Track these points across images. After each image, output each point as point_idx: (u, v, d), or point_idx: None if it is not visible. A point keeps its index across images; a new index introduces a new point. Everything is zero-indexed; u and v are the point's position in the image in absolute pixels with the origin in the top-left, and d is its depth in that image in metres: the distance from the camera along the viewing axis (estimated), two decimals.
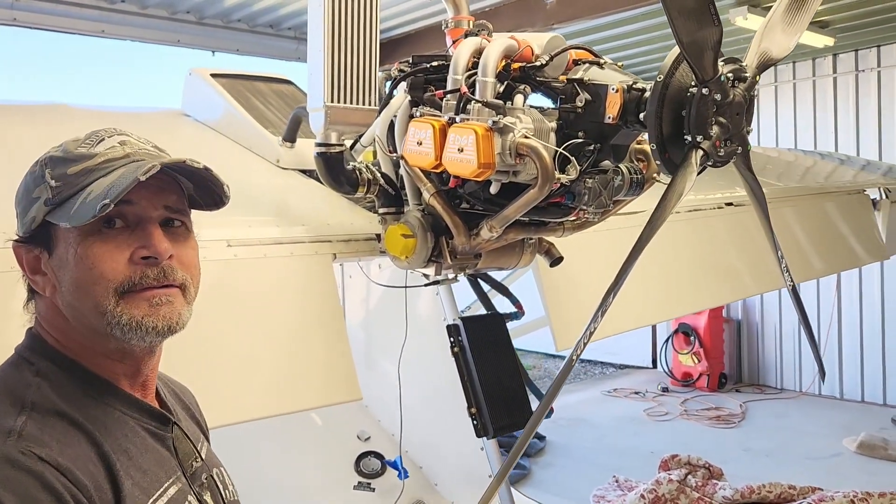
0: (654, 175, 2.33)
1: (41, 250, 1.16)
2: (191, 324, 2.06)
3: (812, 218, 5.00)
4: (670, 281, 3.49)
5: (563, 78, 2.12)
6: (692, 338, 9.44)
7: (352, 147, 2.73)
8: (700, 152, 1.79)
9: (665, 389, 9.42)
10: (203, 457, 1.29)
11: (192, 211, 1.34)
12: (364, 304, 3.80)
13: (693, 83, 1.80)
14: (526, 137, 1.91)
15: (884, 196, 5.37)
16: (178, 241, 1.22)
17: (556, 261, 2.58)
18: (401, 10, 6.48)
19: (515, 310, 2.88)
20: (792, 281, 2.29)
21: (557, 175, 1.93)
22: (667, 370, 9.80)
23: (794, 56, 8.83)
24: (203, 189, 1.28)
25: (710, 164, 1.85)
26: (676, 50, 1.81)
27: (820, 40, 7.47)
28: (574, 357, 1.82)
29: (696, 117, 1.77)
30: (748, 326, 9.75)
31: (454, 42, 2.43)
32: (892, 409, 8.29)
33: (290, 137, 2.94)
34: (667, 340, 9.82)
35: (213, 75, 3.38)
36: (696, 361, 9.41)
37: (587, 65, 2.09)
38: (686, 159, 1.80)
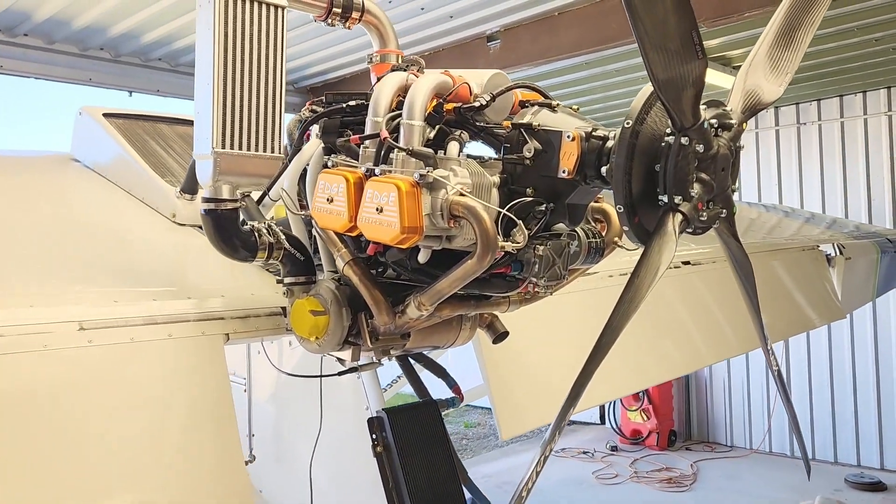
0: (616, 239, 1.97)
1: None
2: (29, 440, 1.57)
3: (763, 278, 4.75)
4: (627, 354, 3.12)
5: (507, 123, 1.76)
6: (640, 394, 9.13)
7: (259, 201, 2.31)
8: (679, 217, 1.43)
9: (614, 448, 9.05)
10: None
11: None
12: (273, 385, 3.30)
13: (668, 130, 1.44)
14: (462, 195, 1.53)
15: (838, 252, 5.18)
16: None
17: (499, 336, 2.18)
18: (330, 55, 6.12)
19: (453, 395, 2.45)
20: (777, 366, 1.93)
21: (501, 242, 1.54)
22: (615, 427, 9.46)
23: None
24: None
25: (689, 230, 1.48)
26: (647, 89, 1.46)
27: None
28: (536, 472, 1.40)
29: (675, 173, 1.41)
30: (697, 382, 9.52)
31: (379, 79, 2.05)
32: (844, 467, 8.10)
33: (190, 189, 2.50)
34: None
35: (107, 115, 2.93)
36: (646, 418, 9.10)
37: (536, 107, 1.73)
38: (662, 226, 1.43)
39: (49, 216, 2.45)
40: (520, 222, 1.54)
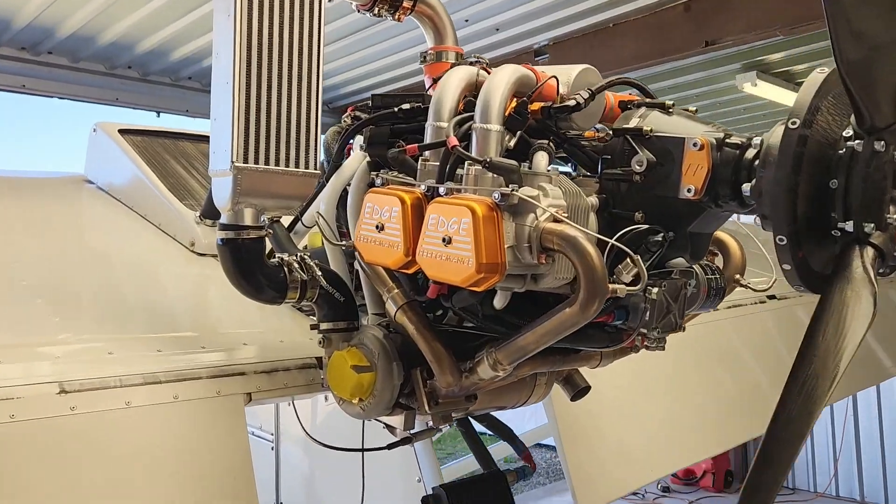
0: (738, 277, 1.57)
1: None
2: None
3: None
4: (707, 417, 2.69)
5: (590, 134, 1.38)
6: None
7: (290, 228, 1.95)
8: (870, 252, 1.02)
9: (666, 489, 8.53)
10: None
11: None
12: (307, 443, 2.90)
13: (849, 133, 1.04)
14: (557, 221, 1.14)
15: None
16: None
17: (580, 392, 1.80)
18: (367, 72, 5.83)
19: (523, 463, 2.03)
20: None
21: (612, 285, 1.15)
22: None
23: None
24: None
25: (881, 271, 1.07)
26: (815, 77, 1.06)
27: None
28: None
29: (864, 191, 1.01)
30: None
31: (434, 81, 1.68)
32: None
33: (211, 213, 2.15)
34: None
35: (123, 131, 2.63)
36: None
37: (643, 109, 1.35)
38: (847, 265, 1.02)
39: (51, 246, 2.12)
40: (637, 258, 1.15)
